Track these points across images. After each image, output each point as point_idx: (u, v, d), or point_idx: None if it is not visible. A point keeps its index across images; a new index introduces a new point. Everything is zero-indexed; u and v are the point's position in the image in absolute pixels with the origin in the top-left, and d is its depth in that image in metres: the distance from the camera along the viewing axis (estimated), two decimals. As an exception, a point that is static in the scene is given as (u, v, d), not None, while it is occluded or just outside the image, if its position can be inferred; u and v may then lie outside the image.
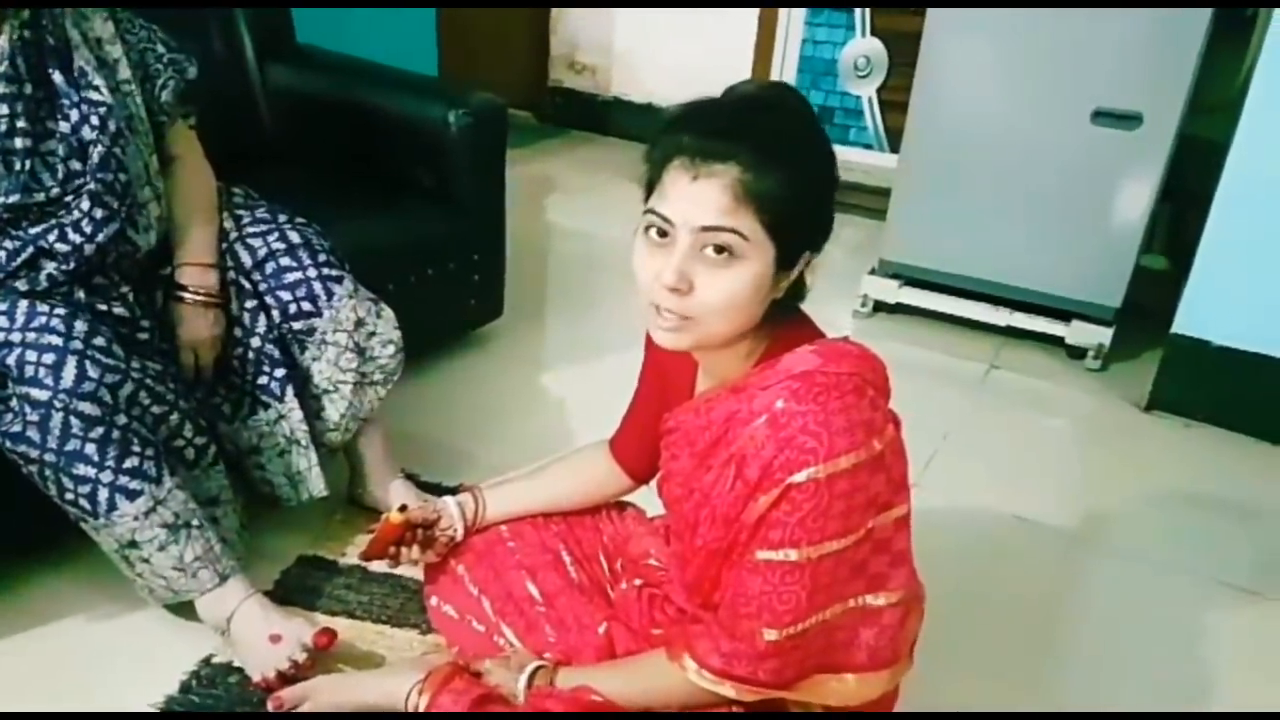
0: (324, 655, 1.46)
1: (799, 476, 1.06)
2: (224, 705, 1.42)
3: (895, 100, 3.46)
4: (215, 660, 1.49)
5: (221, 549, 1.50)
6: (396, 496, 1.73)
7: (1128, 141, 2.41)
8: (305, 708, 1.34)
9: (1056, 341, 2.64)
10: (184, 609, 1.54)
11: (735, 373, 1.17)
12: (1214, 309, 2.31)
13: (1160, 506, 2.11)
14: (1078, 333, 2.60)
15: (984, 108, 2.54)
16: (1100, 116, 2.42)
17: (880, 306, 2.84)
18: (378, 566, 1.61)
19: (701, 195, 1.02)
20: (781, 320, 1.15)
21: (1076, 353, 2.63)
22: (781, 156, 1.03)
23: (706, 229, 1.03)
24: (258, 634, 1.46)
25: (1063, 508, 2.08)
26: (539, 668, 1.27)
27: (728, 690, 1.16)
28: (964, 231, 2.66)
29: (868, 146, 3.69)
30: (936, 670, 1.54)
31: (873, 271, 2.83)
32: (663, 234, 1.05)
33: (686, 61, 3.89)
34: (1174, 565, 1.91)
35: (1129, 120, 2.40)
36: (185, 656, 1.50)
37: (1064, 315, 2.62)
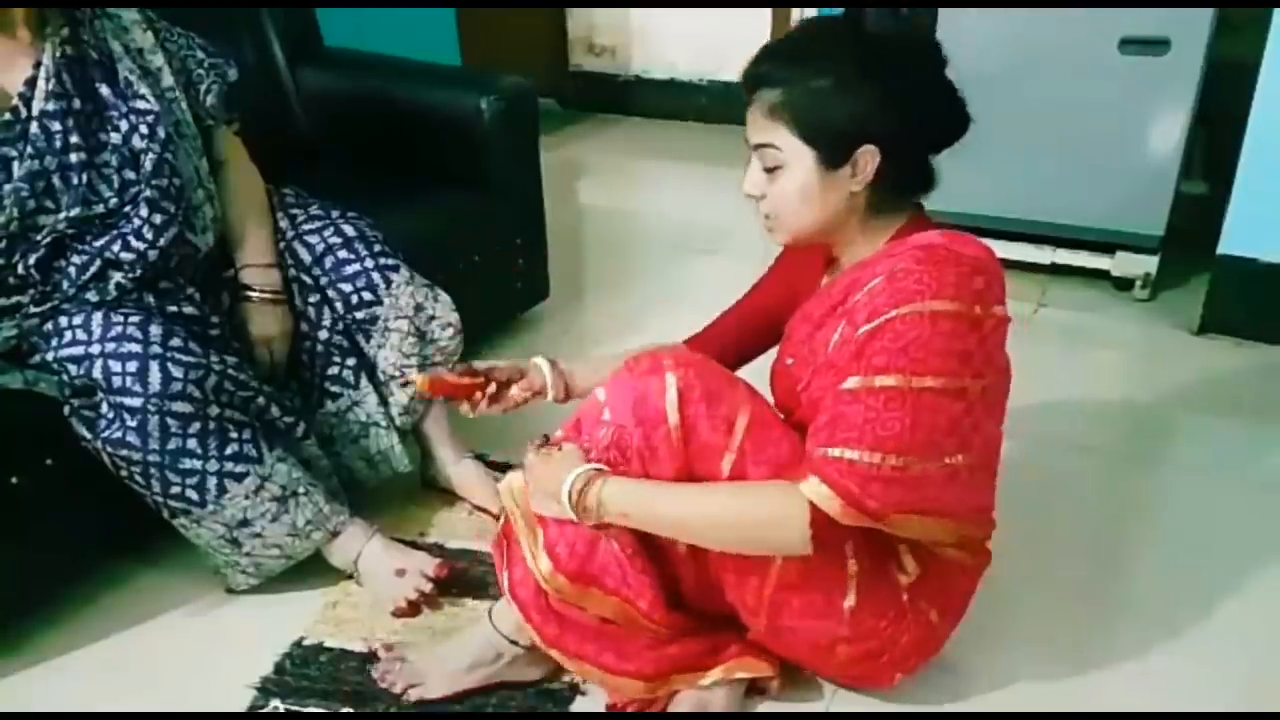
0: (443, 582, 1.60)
1: (903, 309, 1.14)
2: (318, 683, 1.47)
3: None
4: (306, 642, 1.54)
5: (330, 508, 1.59)
6: (468, 476, 1.80)
7: (1157, 67, 2.39)
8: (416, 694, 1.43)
9: (1102, 275, 2.63)
10: (273, 588, 1.62)
11: (866, 256, 1.26)
12: (1260, 226, 2.29)
13: (1218, 422, 2.13)
14: (1123, 264, 2.58)
15: (1009, 44, 2.51)
16: (1127, 44, 2.40)
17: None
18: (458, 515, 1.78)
19: (751, 118, 1.23)
20: (909, 214, 1.27)
21: (1123, 284, 2.61)
22: (809, 68, 1.17)
23: (755, 146, 1.23)
24: (384, 569, 1.60)
25: (1122, 434, 2.08)
26: (590, 472, 1.22)
27: (835, 505, 1.15)
28: (999, 172, 2.62)
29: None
30: (1012, 598, 1.56)
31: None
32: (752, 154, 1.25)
33: (703, 30, 3.89)
34: (1236, 476, 1.92)
35: (1157, 45, 2.38)
36: (278, 639, 1.55)
37: (1108, 248, 2.60)
